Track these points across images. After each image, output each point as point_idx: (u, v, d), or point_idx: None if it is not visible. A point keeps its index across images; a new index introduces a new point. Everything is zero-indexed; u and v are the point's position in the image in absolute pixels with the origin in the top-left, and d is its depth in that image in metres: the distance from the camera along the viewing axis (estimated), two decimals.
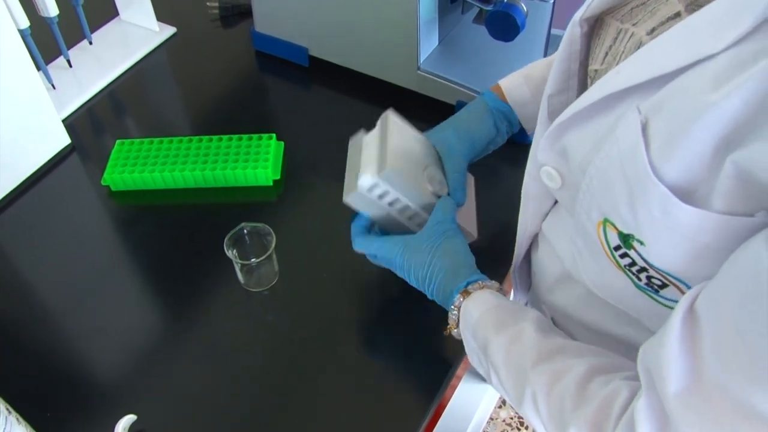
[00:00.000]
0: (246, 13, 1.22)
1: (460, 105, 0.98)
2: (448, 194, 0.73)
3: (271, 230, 0.80)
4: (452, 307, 0.65)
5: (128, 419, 0.70)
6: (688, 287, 0.47)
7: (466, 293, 0.64)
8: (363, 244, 0.73)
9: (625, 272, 0.51)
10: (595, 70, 0.55)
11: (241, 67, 1.14)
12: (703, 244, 0.43)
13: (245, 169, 0.92)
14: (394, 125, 0.73)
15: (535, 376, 0.55)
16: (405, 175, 0.70)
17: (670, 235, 0.44)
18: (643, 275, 0.49)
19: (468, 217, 0.78)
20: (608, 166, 0.47)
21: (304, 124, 1.04)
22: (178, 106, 1.11)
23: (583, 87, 0.58)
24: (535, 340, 0.57)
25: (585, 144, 0.51)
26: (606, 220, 0.49)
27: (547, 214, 0.66)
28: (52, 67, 1.08)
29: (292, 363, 0.76)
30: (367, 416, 0.72)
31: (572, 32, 0.55)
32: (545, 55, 1.00)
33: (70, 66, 1.10)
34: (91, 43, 1.13)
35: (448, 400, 1.07)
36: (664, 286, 0.49)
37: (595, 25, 0.56)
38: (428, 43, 1.01)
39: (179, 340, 0.79)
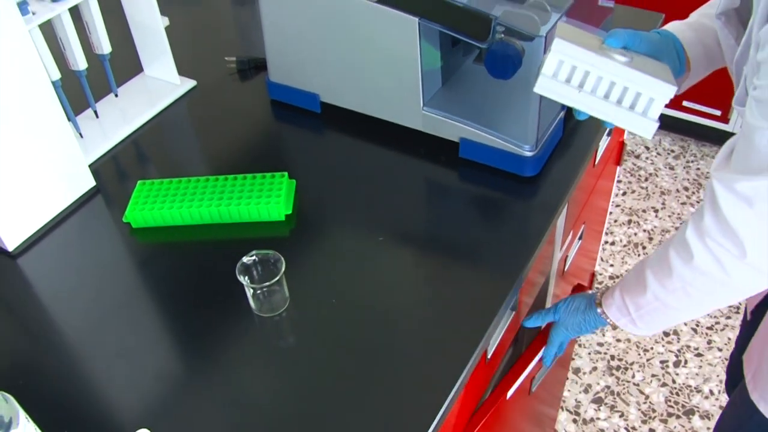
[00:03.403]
0: (262, 67, 1.29)
1: (463, 141, 1.02)
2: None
3: (281, 257, 0.84)
4: None
5: None
6: None
7: None
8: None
9: None
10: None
11: (258, 117, 1.21)
12: None
13: (258, 204, 0.97)
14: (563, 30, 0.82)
15: None
16: (578, 42, 0.76)
17: None
18: None
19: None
20: None
21: (317, 165, 1.09)
22: (197, 154, 1.17)
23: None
24: None
25: None
26: None
27: None
28: (80, 118, 1.15)
29: (302, 385, 0.79)
30: None
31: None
32: None
33: (97, 116, 1.17)
34: (116, 95, 1.21)
35: None
36: None
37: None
38: (431, 86, 1.07)
39: (194, 363, 0.82)
